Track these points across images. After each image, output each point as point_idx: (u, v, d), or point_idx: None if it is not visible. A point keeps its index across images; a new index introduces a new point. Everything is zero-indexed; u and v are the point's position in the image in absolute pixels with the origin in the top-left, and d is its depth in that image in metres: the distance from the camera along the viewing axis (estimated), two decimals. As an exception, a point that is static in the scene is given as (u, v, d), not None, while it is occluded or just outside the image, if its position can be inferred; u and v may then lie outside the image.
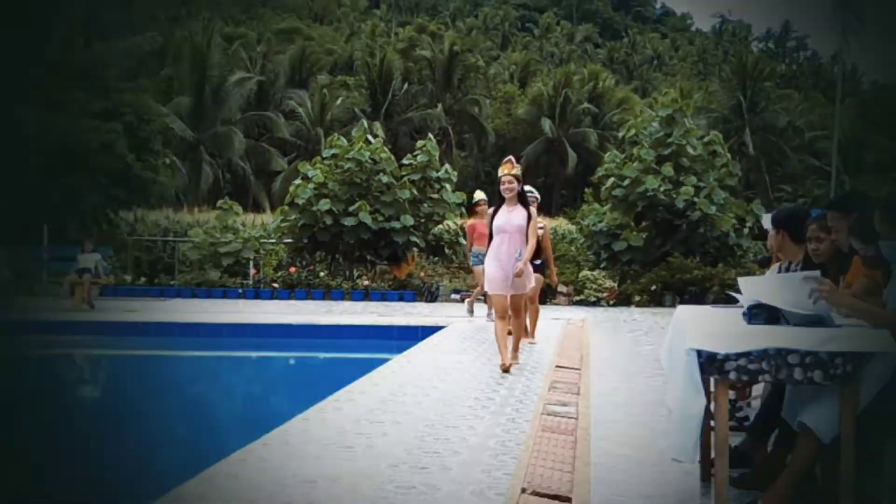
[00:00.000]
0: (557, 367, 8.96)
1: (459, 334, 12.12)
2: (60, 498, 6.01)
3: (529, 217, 8.68)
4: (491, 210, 9.03)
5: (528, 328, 10.65)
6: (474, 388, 7.60)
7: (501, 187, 8.69)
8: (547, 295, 17.49)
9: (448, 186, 20.75)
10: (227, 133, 44.75)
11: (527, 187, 10.25)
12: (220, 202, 22.91)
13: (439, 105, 54.37)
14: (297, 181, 20.50)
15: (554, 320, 14.47)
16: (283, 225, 20.61)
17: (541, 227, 10.32)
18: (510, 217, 8.62)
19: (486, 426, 5.91)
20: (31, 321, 14.38)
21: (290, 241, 20.86)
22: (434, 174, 20.71)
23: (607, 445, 5.54)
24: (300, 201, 19.79)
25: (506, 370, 8.27)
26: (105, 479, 6.54)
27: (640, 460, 5.20)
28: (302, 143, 49.47)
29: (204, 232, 21.46)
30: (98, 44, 39.65)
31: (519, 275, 8.49)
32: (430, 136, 23.94)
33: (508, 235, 8.57)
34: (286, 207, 20.63)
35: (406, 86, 54.85)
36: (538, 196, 11.19)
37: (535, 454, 5.21)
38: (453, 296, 19.10)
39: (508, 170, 8.69)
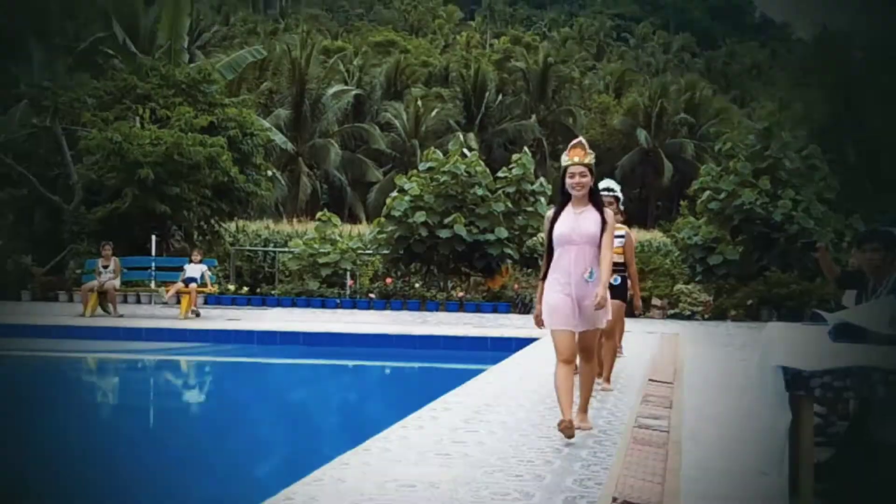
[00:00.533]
0: (650, 380, 9.06)
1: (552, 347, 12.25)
2: (170, 501, 6.38)
3: (605, 222, 6.23)
4: (549, 212, 6.49)
5: (603, 370, 8.38)
6: (567, 399, 7.76)
7: (568, 181, 6.28)
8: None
9: (542, 199, 20.93)
10: (325, 145, 45.76)
11: (606, 183, 8.75)
12: (319, 214, 23.48)
13: (533, 116, 54.54)
14: (394, 194, 20.92)
15: (648, 334, 14.51)
16: (379, 236, 21.05)
17: (621, 235, 8.61)
18: (578, 222, 6.21)
19: (579, 437, 6.07)
20: (142, 329, 15.03)
21: (386, 252, 21.29)
22: (529, 187, 20.92)
23: (698, 458, 5.66)
24: (396, 213, 20.19)
25: (569, 434, 5.94)
26: (212, 482, 6.91)
27: (729, 472, 5.32)
28: (397, 155, 50.15)
29: (303, 243, 22.03)
30: (202, 58, 40.99)
31: (600, 305, 6.06)
32: (526, 149, 24.15)
33: (576, 248, 6.20)
34: (382, 219, 21.06)
35: (500, 97, 55.18)
36: (619, 194, 8.94)
37: (627, 465, 5.36)
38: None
39: (579, 157, 6.24)
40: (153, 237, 20.64)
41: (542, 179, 21.70)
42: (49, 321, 15.51)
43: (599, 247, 6.21)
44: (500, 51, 65.30)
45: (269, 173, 26.01)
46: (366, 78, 55.97)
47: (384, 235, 20.83)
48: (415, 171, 21.91)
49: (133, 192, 20.62)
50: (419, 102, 52.39)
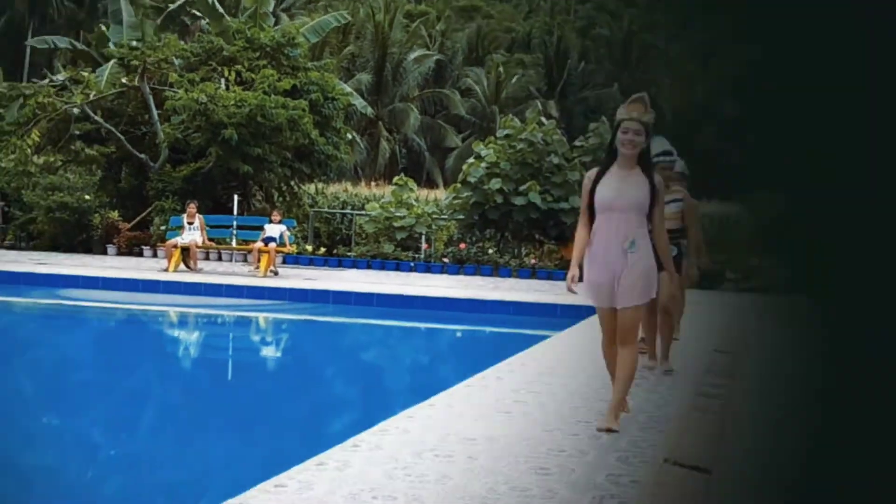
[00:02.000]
0: (715, 350, 9.14)
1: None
2: (259, 441, 6.73)
3: (655, 190, 5.47)
4: (591, 172, 5.64)
5: (658, 348, 7.77)
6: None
7: (620, 136, 5.43)
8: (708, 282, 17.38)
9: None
10: (405, 109, 46.05)
11: (661, 144, 7.66)
12: (395, 178, 23.80)
13: (615, 85, 54.07)
14: (471, 160, 21.09)
15: (723, 305, 14.51)
16: (455, 202, 21.27)
17: (678, 200, 7.84)
18: (622, 187, 5.41)
19: (637, 402, 6.23)
20: (222, 285, 15.52)
21: (461, 217, 21.50)
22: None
23: (755, 427, 5.78)
24: (472, 179, 20.38)
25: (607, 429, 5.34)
26: (285, 430, 7.25)
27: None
28: (476, 121, 50.20)
29: (380, 206, 22.37)
30: (287, 20, 41.46)
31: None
32: (604, 118, 24.06)
33: (618, 216, 5.40)
34: (458, 185, 21.26)
35: (583, 64, 54.77)
36: (684, 168, 8.04)
37: (682, 430, 5.52)
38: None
39: (638, 112, 5.42)
40: (235, 196, 21.15)
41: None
42: (134, 275, 16.09)
43: (649, 218, 5.49)
44: (584, 17, 64.70)
45: (349, 137, 26.37)
46: (447, 43, 55.99)
47: (459, 201, 21.04)
48: (492, 138, 22.03)
49: (217, 152, 21.17)
50: (500, 69, 52.30)
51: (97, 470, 5.94)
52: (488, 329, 14.33)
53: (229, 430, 7.06)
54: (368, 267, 20.74)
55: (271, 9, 28.84)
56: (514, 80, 52.45)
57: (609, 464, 4.64)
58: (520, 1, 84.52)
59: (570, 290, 5.47)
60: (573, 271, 5.48)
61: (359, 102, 33.36)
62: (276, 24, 31.29)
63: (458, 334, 14.51)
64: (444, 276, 19.46)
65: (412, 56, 48.43)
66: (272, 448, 6.59)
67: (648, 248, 5.48)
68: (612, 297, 5.45)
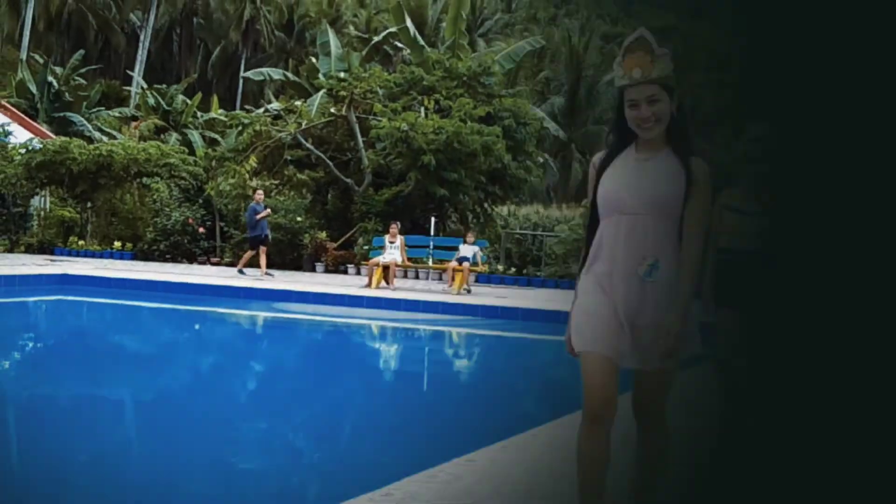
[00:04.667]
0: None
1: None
2: (416, 436, 7.61)
3: (692, 180, 3.47)
4: (596, 158, 3.71)
5: None
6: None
7: (628, 112, 3.54)
8: None
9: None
10: (598, 132, 46.47)
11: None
12: (584, 201, 24.49)
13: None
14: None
15: None
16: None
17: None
18: (640, 176, 3.52)
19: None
20: (419, 301, 16.68)
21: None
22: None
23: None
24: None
25: None
26: (471, 433, 8.09)
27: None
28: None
29: (569, 228, 23.10)
30: (484, 46, 42.88)
31: (664, 349, 3.37)
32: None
33: (630, 221, 3.49)
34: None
35: (782, 84, 53.62)
36: None
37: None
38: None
39: (643, 66, 3.50)
40: (432, 218, 22.40)
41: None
42: (340, 291, 17.48)
43: (680, 226, 3.48)
44: (784, 35, 63.19)
45: (541, 160, 27.28)
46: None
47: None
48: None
49: (416, 177, 22.52)
50: (697, 89, 51.86)
51: (302, 474, 6.38)
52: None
53: (418, 436, 7.95)
54: (557, 286, 21.49)
55: (467, 39, 30.09)
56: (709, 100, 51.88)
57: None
58: (718, 20, 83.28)
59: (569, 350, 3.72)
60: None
61: (551, 126, 34.24)
62: (473, 50, 32.64)
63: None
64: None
65: (606, 78, 48.86)
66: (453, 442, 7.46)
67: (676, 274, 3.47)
68: (616, 343, 3.47)
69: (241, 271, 20.22)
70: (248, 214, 20.61)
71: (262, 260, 20.11)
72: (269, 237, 21.07)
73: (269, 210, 20.88)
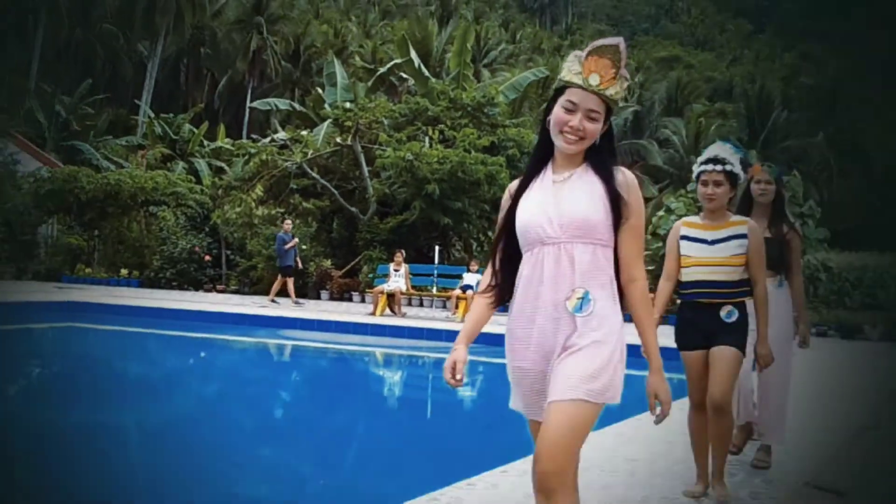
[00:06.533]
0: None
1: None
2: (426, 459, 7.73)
3: (616, 196, 3.15)
4: (512, 185, 3.39)
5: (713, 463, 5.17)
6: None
7: (558, 114, 3.19)
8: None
9: (811, 222, 20.94)
10: (602, 161, 46.80)
11: (718, 150, 5.14)
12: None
13: (821, 134, 52.88)
14: (661, 212, 21.69)
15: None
16: (645, 254, 21.83)
17: (738, 236, 5.22)
18: (560, 198, 3.17)
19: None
20: (423, 328, 16.82)
21: (650, 268, 22.05)
22: (797, 209, 20.99)
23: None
24: (661, 232, 20.95)
25: None
26: (482, 459, 8.21)
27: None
28: (674, 171, 50.30)
29: (573, 256, 23.22)
30: (488, 76, 43.23)
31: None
32: (795, 172, 24.10)
33: (554, 251, 3.13)
34: (649, 237, 21.87)
35: (785, 113, 53.92)
36: (739, 170, 5.20)
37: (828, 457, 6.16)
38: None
39: (603, 77, 3.17)
40: (436, 247, 22.59)
41: (811, 202, 21.68)
42: (345, 318, 17.62)
43: (613, 248, 3.16)
44: (788, 65, 63.65)
45: (545, 189, 27.46)
46: (646, 94, 56.45)
47: (649, 253, 21.61)
48: (683, 191, 22.53)
49: (420, 206, 22.73)
50: (700, 119, 52.25)
51: (307, 501, 6.52)
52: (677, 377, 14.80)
53: (429, 458, 8.08)
54: (561, 315, 21.56)
55: (472, 70, 30.39)
56: (713, 129, 52.23)
57: (755, 484, 5.41)
58: (722, 50, 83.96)
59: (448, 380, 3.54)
60: (458, 351, 3.61)
61: (556, 155, 34.44)
62: (477, 80, 32.95)
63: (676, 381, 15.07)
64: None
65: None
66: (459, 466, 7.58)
67: (612, 307, 3.14)
68: (540, 402, 3.21)
69: (273, 300, 20.62)
70: (278, 245, 21.11)
71: (290, 288, 20.74)
72: (300, 266, 21.71)
73: (296, 240, 21.34)
